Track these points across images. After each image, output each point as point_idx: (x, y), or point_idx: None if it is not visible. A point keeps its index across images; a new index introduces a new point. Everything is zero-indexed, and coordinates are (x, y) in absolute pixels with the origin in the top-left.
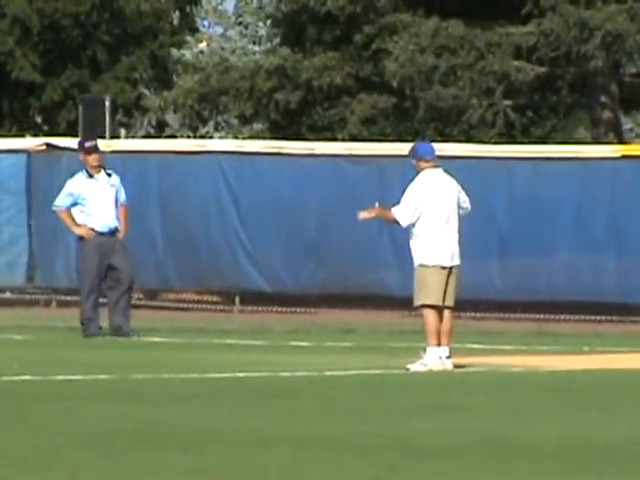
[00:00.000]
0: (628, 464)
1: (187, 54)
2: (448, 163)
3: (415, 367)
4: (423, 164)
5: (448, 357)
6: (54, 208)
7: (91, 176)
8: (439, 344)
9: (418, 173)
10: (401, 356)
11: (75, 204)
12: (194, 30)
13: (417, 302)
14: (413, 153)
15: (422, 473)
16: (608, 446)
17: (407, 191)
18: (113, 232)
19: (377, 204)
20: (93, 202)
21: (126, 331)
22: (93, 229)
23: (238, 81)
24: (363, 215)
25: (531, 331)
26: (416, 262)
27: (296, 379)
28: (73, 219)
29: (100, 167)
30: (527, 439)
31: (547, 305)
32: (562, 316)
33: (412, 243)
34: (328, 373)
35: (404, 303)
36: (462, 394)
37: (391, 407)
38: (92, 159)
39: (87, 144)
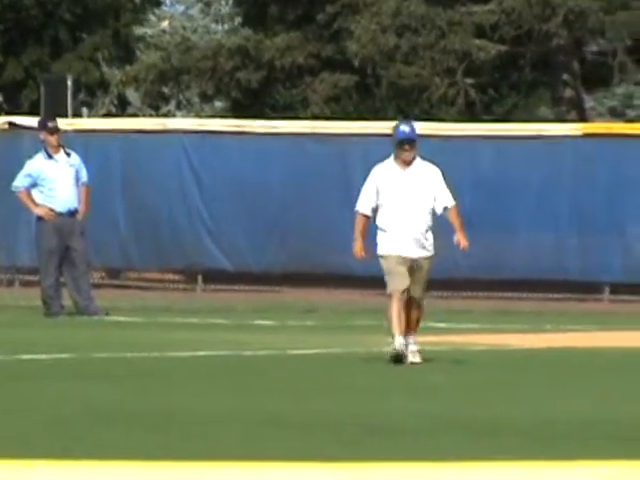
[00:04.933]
0: (594, 441)
1: (149, 32)
2: None
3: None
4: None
5: (415, 349)
6: (13, 189)
7: (50, 156)
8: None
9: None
10: (363, 335)
11: (35, 185)
12: (157, 4)
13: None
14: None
15: (385, 451)
16: (573, 423)
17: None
18: (72, 213)
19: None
20: (52, 183)
21: (94, 310)
22: (52, 209)
23: (200, 60)
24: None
25: (495, 309)
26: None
27: (259, 358)
28: (32, 199)
29: (59, 147)
30: (493, 417)
31: (510, 284)
32: (525, 294)
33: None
34: (291, 352)
35: (366, 282)
36: (427, 373)
37: (354, 386)
38: (54, 139)
39: (49, 124)
